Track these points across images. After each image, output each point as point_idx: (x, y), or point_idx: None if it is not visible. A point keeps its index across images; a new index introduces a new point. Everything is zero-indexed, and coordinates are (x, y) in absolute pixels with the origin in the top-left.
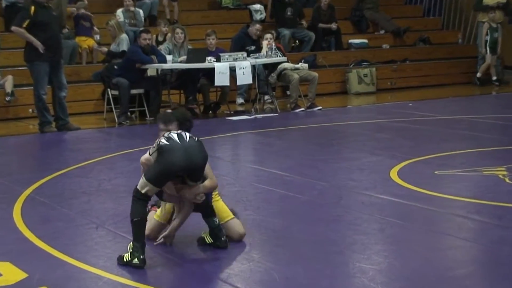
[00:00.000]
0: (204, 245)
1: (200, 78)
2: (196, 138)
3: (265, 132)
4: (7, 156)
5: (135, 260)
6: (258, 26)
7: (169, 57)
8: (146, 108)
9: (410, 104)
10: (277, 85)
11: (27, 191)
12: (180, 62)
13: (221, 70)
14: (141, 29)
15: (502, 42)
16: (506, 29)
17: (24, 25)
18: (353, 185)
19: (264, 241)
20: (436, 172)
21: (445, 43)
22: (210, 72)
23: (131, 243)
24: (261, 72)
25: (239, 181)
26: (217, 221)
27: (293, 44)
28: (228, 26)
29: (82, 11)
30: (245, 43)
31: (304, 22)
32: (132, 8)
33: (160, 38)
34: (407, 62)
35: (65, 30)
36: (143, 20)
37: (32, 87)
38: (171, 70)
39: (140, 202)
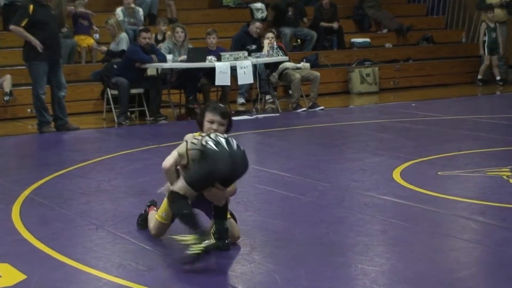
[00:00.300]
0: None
1: (201, 77)
2: (242, 147)
3: (266, 132)
4: (5, 156)
5: (207, 242)
6: (258, 24)
7: (169, 56)
8: (146, 108)
9: (413, 104)
10: (279, 85)
11: (26, 192)
12: (181, 61)
13: (222, 69)
14: (140, 28)
15: (508, 41)
16: (511, 28)
17: (23, 24)
18: (355, 186)
19: (265, 243)
20: (439, 173)
21: (449, 42)
22: (211, 71)
23: (193, 235)
24: (263, 72)
25: (240, 182)
26: (227, 225)
27: (294, 43)
28: (229, 25)
29: (81, 9)
30: (246, 42)
31: (305, 20)
32: (132, 5)
33: (160, 37)
34: (410, 61)
35: (64, 29)
36: (142, 19)
37: (30, 87)
38: (171, 69)
39: (181, 200)
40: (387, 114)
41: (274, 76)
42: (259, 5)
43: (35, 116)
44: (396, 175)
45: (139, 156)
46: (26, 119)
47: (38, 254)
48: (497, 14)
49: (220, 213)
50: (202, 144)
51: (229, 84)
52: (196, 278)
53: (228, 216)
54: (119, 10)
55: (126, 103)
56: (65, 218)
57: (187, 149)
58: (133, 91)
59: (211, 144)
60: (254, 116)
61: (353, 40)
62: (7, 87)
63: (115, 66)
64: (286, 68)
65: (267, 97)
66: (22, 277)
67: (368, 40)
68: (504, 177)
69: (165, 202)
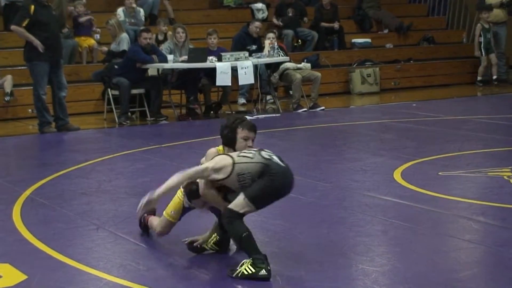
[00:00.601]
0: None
1: (201, 77)
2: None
3: (267, 132)
4: (6, 157)
5: (262, 272)
6: (257, 23)
7: (170, 57)
8: (146, 108)
9: (414, 104)
10: (279, 85)
11: (27, 192)
12: (181, 61)
13: (222, 69)
14: (141, 28)
15: (508, 41)
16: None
17: (24, 24)
18: (356, 186)
19: (266, 243)
20: (440, 173)
21: (450, 43)
22: (212, 71)
23: (250, 259)
24: (263, 72)
25: None
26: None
27: (295, 44)
28: (229, 25)
29: (81, 8)
30: (246, 43)
31: (305, 19)
32: (133, 5)
33: (161, 38)
34: (411, 61)
35: (65, 30)
36: (143, 19)
37: (31, 87)
38: (172, 69)
39: (238, 220)
40: (388, 114)
41: (275, 77)
42: (259, 5)
43: (36, 116)
44: (397, 175)
45: (140, 156)
46: (27, 119)
47: (39, 254)
48: (497, 15)
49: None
50: (265, 158)
51: (229, 84)
52: (197, 278)
53: None
54: (120, 10)
55: (127, 103)
56: (66, 219)
57: (234, 162)
58: (134, 91)
59: (276, 159)
60: (255, 117)
61: (354, 40)
62: (8, 87)
63: (116, 67)
64: (287, 69)
65: (268, 97)
66: (23, 277)
67: (369, 40)
68: (505, 177)
69: (177, 200)
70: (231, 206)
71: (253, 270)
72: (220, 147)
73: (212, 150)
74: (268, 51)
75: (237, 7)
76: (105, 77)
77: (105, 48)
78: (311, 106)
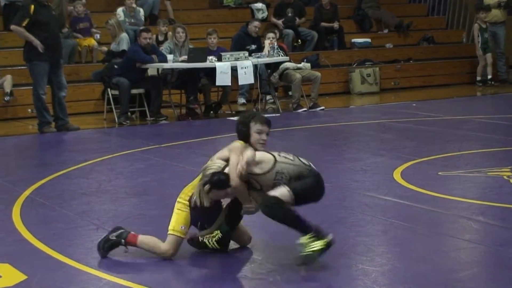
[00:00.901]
0: (204, 249)
1: (201, 77)
2: None
3: None
4: (6, 156)
5: (329, 237)
6: (256, 23)
7: (170, 57)
8: (146, 108)
9: (414, 104)
10: (279, 85)
11: (26, 192)
12: (181, 61)
13: (222, 69)
14: (141, 28)
15: (508, 41)
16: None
17: (24, 24)
18: (356, 186)
19: (266, 243)
20: (440, 173)
21: (449, 43)
22: (211, 71)
23: (309, 234)
24: (263, 72)
25: None
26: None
27: (295, 44)
28: (229, 25)
29: (80, 8)
30: (245, 42)
31: (298, 19)
32: (133, 5)
33: (161, 38)
34: (411, 61)
35: (65, 29)
36: (143, 19)
37: (31, 87)
38: (172, 69)
39: (285, 205)
40: (388, 114)
41: (275, 77)
42: (259, 5)
43: (36, 116)
44: (397, 175)
45: (139, 156)
46: (27, 119)
47: (38, 255)
48: (496, 15)
49: (234, 221)
50: (304, 163)
51: (229, 84)
52: (197, 278)
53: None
54: (119, 10)
55: (127, 103)
56: (66, 219)
57: (276, 161)
58: (134, 91)
59: (313, 166)
60: None
61: (353, 40)
62: (7, 87)
63: (115, 66)
64: (287, 68)
65: (268, 97)
66: (23, 277)
67: (368, 40)
68: (505, 177)
69: (184, 214)
70: (276, 194)
71: (321, 242)
72: (242, 142)
73: (238, 144)
74: (268, 51)
75: (237, 7)
76: (105, 77)
77: (105, 48)
78: (311, 106)
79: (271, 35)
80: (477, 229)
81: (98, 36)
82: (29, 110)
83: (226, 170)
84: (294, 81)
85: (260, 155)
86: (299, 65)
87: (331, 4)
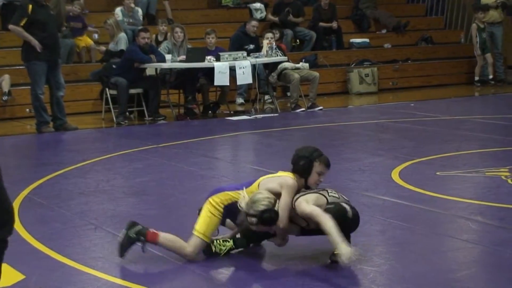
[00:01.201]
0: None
1: (200, 77)
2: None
3: (265, 132)
4: (4, 156)
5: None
6: (254, 22)
7: (168, 56)
8: (144, 108)
9: (412, 104)
10: (278, 85)
11: (24, 192)
12: (179, 61)
13: (220, 69)
14: (139, 28)
15: (505, 41)
16: (510, 28)
17: (22, 24)
18: (354, 186)
19: (264, 243)
20: (438, 173)
21: (448, 43)
22: (210, 71)
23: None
24: (261, 72)
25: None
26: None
27: (293, 44)
28: (228, 25)
29: (76, 8)
30: (244, 42)
31: (294, 18)
32: (132, 5)
33: (160, 38)
34: (409, 61)
35: (64, 29)
36: (141, 18)
37: (29, 87)
38: (170, 69)
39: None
40: (386, 114)
41: (273, 76)
42: (258, 5)
43: (34, 116)
44: (395, 175)
45: (138, 156)
46: (25, 119)
47: (36, 254)
48: (493, 15)
49: (253, 241)
50: (346, 200)
51: (228, 84)
52: (195, 279)
53: None
54: (118, 10)
55: (125, 103)
56: (64, 218)
57: (327, 203)
58: (132, 91)
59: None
60: (253, 116)
61: (352, 40)
62: (5, 87)
63: (114, 66)
64: (285, 68)
65: (266, 97)
66: (21, 277)
67: (367, 40)
68: (503, 177)
69: (215, 220)
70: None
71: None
72: (291, 175)
73: (291, 182)
74: (267, 51)
75: (235, 7)
76: (103, 76)
77: (103, 48)
78: (309, 106)
79: (269, 35)
80: (475, 229)
81: (96, 35)
82: (27, 109)
83: (276, 207)
84: (292, 81)
85: (317, 199)
86: (297, 65)
87: (330, 4)
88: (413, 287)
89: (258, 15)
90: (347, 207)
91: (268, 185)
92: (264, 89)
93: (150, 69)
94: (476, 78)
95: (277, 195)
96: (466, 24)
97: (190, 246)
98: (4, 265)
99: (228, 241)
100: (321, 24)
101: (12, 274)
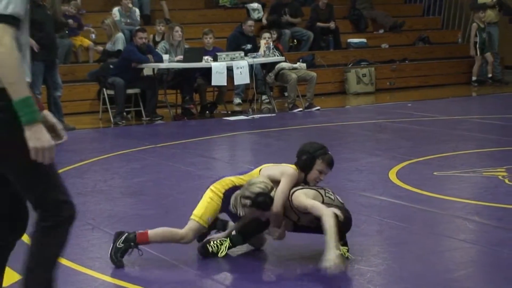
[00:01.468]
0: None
1: (197, 77)
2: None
3: (262, 132)
4: None
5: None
6: (250, 22)
7: (165, 57)
8: (142, 108)
9: (409, 104)
10: (275, 85)
11: None
12: (177, 61)
13: (218, 69)
14: (137, 28)
15: (503, 42)
16: (507, 29)
17: None
18: (351, 186)
19: (263, 247)
20: (435, 173)
21: (445, 43)
22: (207, 71)
23: (341, 248)
24: (259, 72)
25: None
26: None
27: (291, 44)
28: (225, 25)
29: (72, 9)
30: (241, 42)
31: (291, 19)
32: (130, 5)
33: (158, 38)
34: (406, 61)
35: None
36: (138, 19)
37: None
38: (168, 69)
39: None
40: (383, 114)
41: (271, 77)
42: (255, 5)
43: None
44: (392, 175)
45: (135, 156)
46: None
47: None
48: (490, 15)
49: (249, 235)
50: (341, 202)
51: (225, 84)
52: (193, 278)
53: None
54: (115, 10)
55: (123, 103)
56: None
57: (323, 202)
58: (129, 91)
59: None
60: (250, 117)
61: (349, 40)
62: None
63: (111, 66)
64: (283, 68)
65: (264, 97)
66: (18, 277)
67: (364, 40)
68: (500, 177)
69: (215, 206)
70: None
71: (347, 248)
72: (294, 166)
73: (292, 171)
74: (264, 51)
75: (232, 7)
76: (101, 76)
77: (100, 48)
78: (307, 106)
79: (266, 35)
80: (473, 229)
81: (93, 36)
82: None
83: (272, 194)
84: (289, 81)
85: (315, 196)
86: (294, 65)
87: (327, 4)
88: (410, 287)
89: (255, 15)
90: (338, 211)
91: (269, 172)
92: (262, 89)
93: (148, 69)
94: (474, 78)
95: (277, 183)
96: (464, 24)
97: (185, 229)
98: None
99: (225, 240)
100: (319, 24)
101: (9, 274)
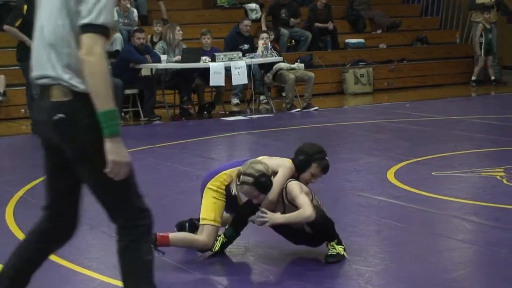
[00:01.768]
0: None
1: (195, 78)
2: None
3: (260, 132)
4: None
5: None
6: (247, 22)
7: (163, 57)
8: (140, 108)
9: (407, 105)
10: (273, 85)
11: (20, 193)
12: (175, 61)
13: (216, 70)
14: (135, 28)
15: (501, 42)
16: (505, 29)
17: (17, 24)
18: (349, 186)
19: (259, 243)
20: (433, 173)
21: (443, 43)
22: (205, 71)
23: (335, 240)
24: (257, 72)
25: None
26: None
27: (289, 44)
28: (223, 26)
29: None
30: (238, 42)
31: (292, 20)
32: (128, 5)
33: (155, 39)
34: (404, 62)
35: None
36: (136, 19)
37: (24, 87)
38: (166, 69)
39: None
40: (382, 114)
41: (268, 77)
42: (253, 5)
43: (29, 116)
44: (391, 175)
45: (133, 157)
46: (20, 120)
47: None
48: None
49: (241, 226)
50: (324, 210)
51: (223, 84)
52: (190, 278)
53: None
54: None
55: (120, 103)
56: None
57: (312, 204)
58: (127, 91)
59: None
60: (248, 117)
61: (347, 40)
62: (0, 87)
63: (109, 67)
64: (281, 69)
65: (262, 97)
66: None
67: (362, 40)
68: (498, 177)
69: (220, 203)
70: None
71: (343, 247)
72: (290, 161)
73: (289, 164)
74: (262, 51)
75: (230, 7)
76: None
77: None
78: (305, 106)
79: (264, 35)
80: (471, 229)
81: None
82: (22, 110)
83: (272, 179)
84: (287, 82)
85: (307, 193)
86: (292, 66)
87: (325, 4)
88: (408, 287)
89: (253, 15)
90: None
91: (265, 160)
92: (260, 89)
93: (146, 69)
94: (473, 78)
95: (273, 174)
96: (462, 25)
97: (203, 236)
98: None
99: (219, 236)
100: (317, 24)
101: None
